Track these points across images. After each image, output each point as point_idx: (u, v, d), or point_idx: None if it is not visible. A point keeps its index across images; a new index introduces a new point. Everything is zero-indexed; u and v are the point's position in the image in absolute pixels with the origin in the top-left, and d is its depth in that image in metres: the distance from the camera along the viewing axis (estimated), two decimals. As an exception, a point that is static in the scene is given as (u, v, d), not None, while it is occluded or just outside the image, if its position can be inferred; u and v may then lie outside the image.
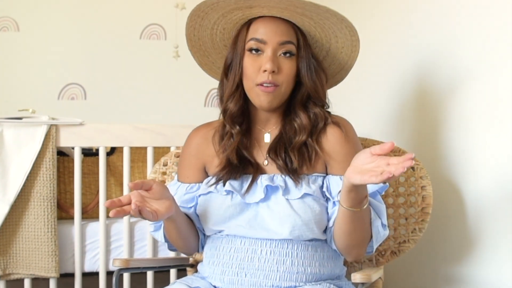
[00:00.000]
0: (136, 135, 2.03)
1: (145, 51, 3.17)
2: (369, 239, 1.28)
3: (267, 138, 1.36)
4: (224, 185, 1.30)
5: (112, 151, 2.23)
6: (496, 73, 1.45)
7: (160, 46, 3.18)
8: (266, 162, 1.34)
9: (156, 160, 1.98)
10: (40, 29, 3.05)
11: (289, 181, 1.28)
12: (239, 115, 1.34)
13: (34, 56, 3.04)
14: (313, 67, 1.33)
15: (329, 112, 1.38)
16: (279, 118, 1.36)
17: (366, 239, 1.27)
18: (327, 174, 1.32)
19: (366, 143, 1.60)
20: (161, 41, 3.20)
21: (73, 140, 1.99)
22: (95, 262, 2.04)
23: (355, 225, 1.21)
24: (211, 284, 1.31)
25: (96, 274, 2.04)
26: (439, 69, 1.66)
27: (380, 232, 1.28)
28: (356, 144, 1.34)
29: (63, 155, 2.15)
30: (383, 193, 1.34)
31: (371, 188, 1.28)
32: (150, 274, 2.01)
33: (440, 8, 1.67)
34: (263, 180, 1.30)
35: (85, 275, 2.04)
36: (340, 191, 1.21)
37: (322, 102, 1.35)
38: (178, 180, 1.42)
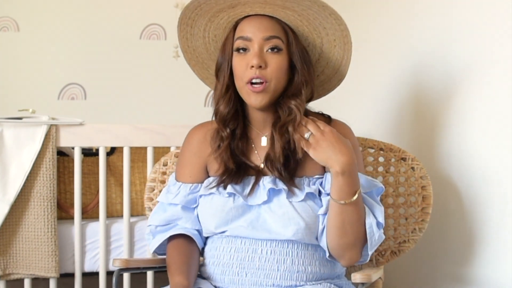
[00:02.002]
0: (136, 135, 2.03)
1: (145, 51, 3.17)
2: (363, 242, 1.26)
3: (264, 141, 1.36)
4: (225, 188, 1.30)
5: (112, 151, 2.23)
6: (492, 73, 1.45)
7: (160, 46, 3.18)
8: (262, 165, 1.34)
9: (156, 160, 1.98)
10: (40, 29, 3.05)
11: (291, 185, 1.28)
12: (230, 118, 1.34)
13: (34, 56, 3.04)
14: (307, 60, 1.33)
15: (330, 117, 1.38)
16: (275, 118, 1.36)
17: (359, 240, 1.25)
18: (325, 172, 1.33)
19: (366, 143, 1.60)
20: (161, 41, 3.20)
21: (73, 140, 1.99)
22: (95, 262, 2.04)
23: (344, 218, 1.21)
24: (212, 284, 1.31)
25: (96, 274, 2.04)
26: (437, 70, 1.66)
27: (375, 233, 1.25)
28: (356, 147, 1.34)
29: (63, 155, 2.15)
30: (379, 196, 1.34)
31: (366, 188, 1.29)
32: (150, 274, 2.01)
33: (437, 10, 1.68)
34: (265, 182, 1.30)
35: (85, 275, 2.04)
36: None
37: (313, 94, 1.36)
38: (178, 180, 1.42)
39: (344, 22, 1.31)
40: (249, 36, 1.29)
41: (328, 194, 1.27)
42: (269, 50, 1.28)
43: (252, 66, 1.26)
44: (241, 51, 1.29)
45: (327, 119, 1.37)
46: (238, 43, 1.30)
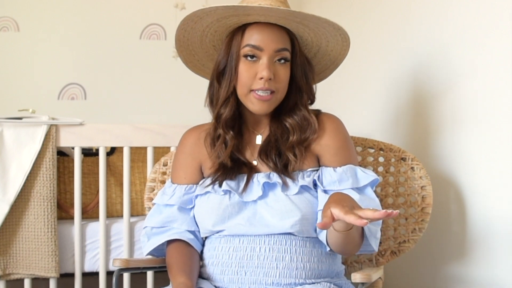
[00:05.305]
0: (136, 135, 2.03)
1: (145, 51, 3.17)
2: (363, 240, 1.27)
3: (259, 140, 1.37)
4: (220, 185, 1.31)
5: (112, 151, 2.23)
6: (489, 72, 1.45)
7: (160, 46, 3.18)
8: (255, 162, 1.34)
9: (156, 160, 1.98)
10: (40, 29, 3.04)
11: (285, 178, 1.29)
12: (233, 120, 1.35)
13: (34, 56, 3.04)
14: (307, 70, 1.35)
15: (319, 110, 1.39)
16: (269, 118, 1.38)
17: (361, 242, 1.27)
18: (319, 166, 1.34)
19: (366, 143, 1.60)
20: (161, 41, 3.19)
21: (73, 140, 1.99)
22: (95, 262, 2.04)
23: (348, 239, 1.20)
24: (211, 284, 1.31)
25: (96, 274, 2.04)
26: (435, 70, 1.67)
27: (374, 235, 1.27)
28: (347, 137, 1.36)
29: (63, 155, 2.15)
30: (378, 190, 1.35)
31: (361, 182, 1.29)
32: (150, 274, 2.01)
33: (435, 12, 1.68)
34: (259, 178, 1.30)
35: (85, 275, 2.04)
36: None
37: (312, 101, 1.39)
38: (173, 182, 1.42)
39: (349, 40, 1.35)
40: (260, 45, 1.28)
41: (324, 190, 1.28)
42: (277, 61, 1.29)
43: (261, 78, 1.27)
44: (249, 58, 1.29)
45: (317, 113, 1.39)
46: (247, 50, 1.29)
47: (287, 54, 1.31)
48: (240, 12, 1.27)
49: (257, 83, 1.28)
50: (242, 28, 1.32)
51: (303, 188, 1.28)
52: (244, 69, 1.29)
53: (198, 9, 1.28)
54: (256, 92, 1.28)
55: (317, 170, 1.33)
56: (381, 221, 1.29)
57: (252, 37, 1.29)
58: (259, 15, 1.27)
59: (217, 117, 1.35)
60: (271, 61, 1.28)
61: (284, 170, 1.29)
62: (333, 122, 1.36)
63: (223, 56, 1.33)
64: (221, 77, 1.34)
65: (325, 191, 1.29)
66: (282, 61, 1.30)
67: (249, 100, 1.30)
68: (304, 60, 1.35)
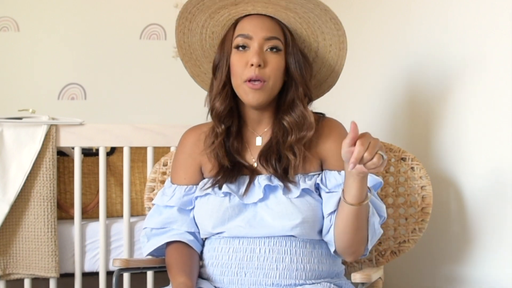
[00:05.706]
0: (136, 135, 2.03)
1: (145, 51, 3.17)
2: (367, 238, 1.27)
3: (259, 141, 1.37)
4: (220, 188, 1.31)
5: (112, 151, 2.23)
6: (489, 72, 1.45)
7: (160, 46, 3.17)
8: (255, 164, 1.34)
9: (156, 160, 1.98)
10: (40, 29, 3.04)
11: (286, 181, 1.29)
12: (226, 115, 1.34)
13: (34, 56, 3.04)
14: (302, 63, 1.34)
15: (323, 114, 1.39)
16: (271, 118, 1.37)
17: (366, 237, 1.27)
18: (322, 170, 1.34)
19: (366, 143, 1.60)
20: (161, 41, 3.19)
21: (73, 140, 1.99)
22: (95, 262, 2.04)
23: (359, 223, 1.21)
24: (211, 284, 1.31)
25: (96, 274, 2.04)
26: (433, 70, 1.67)
27: (376, 231, 1.27)
28: None
29: (63, 155, 2.15)
30: (378, 190, 1.35)
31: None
32: (150, 274, 2.01)
33: (432, 11, 1.68)
34: (260, 180, 1.30)
35: (85, 275, 2.04)
36: (342, 190, 1.22)
37: (309, 97, 1.36)
38: (173, 183, 1.42)
39: (343, 28, 1.33)
40: (250, 34, 1.29)
41: (329, 192, 1.28)
42: (269, 50, 1.29)
43: (252, 65, 1.27)
44: (241, 48, 1.30)
45: (320, 117, 1.39)
46: (238, 41, 1.30)
47: (278, 43, 1.31)
48: (226, 1, 1.29)
49: (248, 71, 1.28)
50: (234, 24, 1.34)
51: (305, 191, 1.28)
52: (235, 59, 1.30)
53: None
54: (248, 81, 1.28)
55: (318, 174, 1.33)
56: (374, 226, 1.29)
57: (243, 28, 1.31)
58: (245, 3, 1.29)
59: (211, 111, 1.35)
60: (261, 49, 1.29)
61: (284, 176, 1.29)
62: (337, 127, 1.36)
63: (218, 52, 1.36)
64: (216, 72, 1.35)
65: (330, 192, 1.29)
66: (274, 49, 1.30)
67: (242, 90, 1.30)
68: (298, 52, 1.34)
